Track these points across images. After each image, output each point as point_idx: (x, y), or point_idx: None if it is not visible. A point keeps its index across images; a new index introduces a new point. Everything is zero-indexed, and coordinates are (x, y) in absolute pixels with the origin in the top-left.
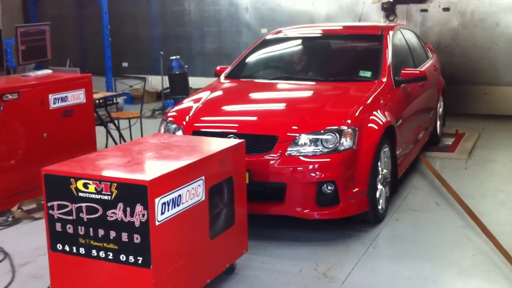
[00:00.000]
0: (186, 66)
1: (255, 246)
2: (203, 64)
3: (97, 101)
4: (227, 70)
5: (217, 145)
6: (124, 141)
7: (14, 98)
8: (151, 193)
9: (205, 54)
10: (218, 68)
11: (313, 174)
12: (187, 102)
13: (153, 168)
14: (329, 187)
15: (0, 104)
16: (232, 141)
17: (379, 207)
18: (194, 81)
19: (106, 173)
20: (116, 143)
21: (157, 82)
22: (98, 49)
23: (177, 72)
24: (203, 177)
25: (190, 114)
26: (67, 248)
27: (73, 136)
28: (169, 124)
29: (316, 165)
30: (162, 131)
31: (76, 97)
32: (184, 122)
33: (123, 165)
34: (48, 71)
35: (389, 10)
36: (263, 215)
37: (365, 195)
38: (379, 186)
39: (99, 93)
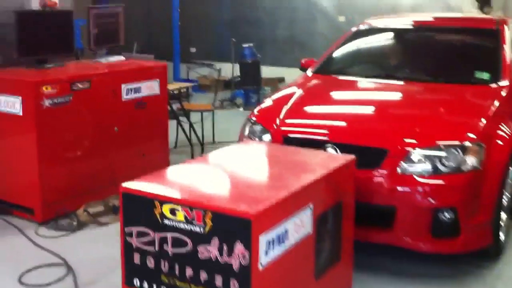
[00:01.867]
0: (259, 55)
1: (356, 279)
2: (274, 53)
3: (171, 92)
4: (316, 65)
5: (324, 161)
6: (196, 135)
7: (85, 87)
8: (256, 229)
9: (276, 41)
10: (303, 60)
11: (429, 198)
12: (273, 101)
13: (256, 195)
14: (448, 215)
15: (70, 93)
16: (342, 158)
17: (501, 238)
18: (264, 71)
19: (200, 197)
20: (189, 139)
21: (226, 69)
22: (165, 32)
23: (249, 61)
24: (311, 205)
25: (280, 117)
26: (145, 285)
27: (145, 131)
28: (254, 126)
29: (433, 187)
30: (246, 132)
31: (150, 88)
32: (274, 125)
33: (220, 187)
34: (120, 58)
35: (483, 1)
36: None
37: (489, 225)
38: (502, 213)
39: (173, 83)
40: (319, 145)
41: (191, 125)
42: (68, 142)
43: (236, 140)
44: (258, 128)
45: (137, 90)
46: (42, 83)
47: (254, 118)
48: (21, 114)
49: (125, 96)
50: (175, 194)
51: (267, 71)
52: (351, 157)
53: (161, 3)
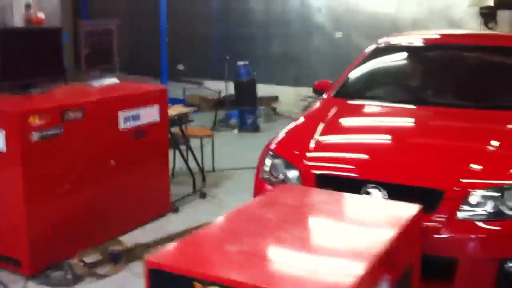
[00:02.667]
0: (255, 73)
1: None
2: (268, 70)
3: (172, 118)
4: (335, 88)
5: (391, 214)
6: (197, 163)
7: (77, 117)
8: None
9: (269, 58)
10: (316, 83)
11: (493, 247)
12: (293, 131)
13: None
14: None
15: (61, 124)
16: (408, 207)
17: None
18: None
19: (252, 278)
20: (190, 168)
21: (215, 87)
22: (152, 48)
23: (245, 80)
24: (388, 278)
25: (308, 150)
26: None
27: (144, 162)
28: (275, 160)
29: (498, 234)
30: (267, 167)
31: (150, 114)
32: (303, 161)
33: (283, 262)
34: (114, 80)
35: (488, 16)
36: None
37: None
38: None
39: (173, 107)
40: (357, 184)
41: (191, 152)
42: (58, 180)
43: (236, 167)
44: (281, 163)
45: (135, 117)
46: (29, 113)
47: (274, 151)
48: (5, 150)
49: (122, 125)
50: (220, 271)
51: (261, 89)
52: (417, 206)
53: (146, 18)
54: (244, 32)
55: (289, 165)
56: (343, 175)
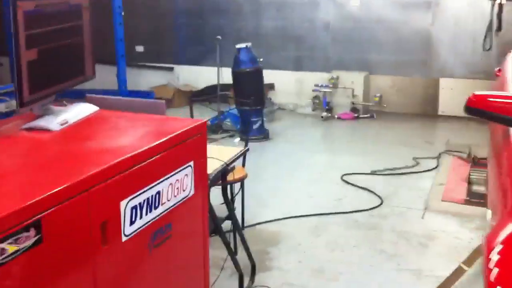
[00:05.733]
0: (261, 59)
1: None
2: (259, 51)
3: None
4: None
5: None
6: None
7: (27, 245)
8: None
9: (261, 36)
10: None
11: None
12: None
13: None
14: None
15: None
16: None
17: None
18: None
19: None
20: (237, 264)
21: (189, 75)
22: (104, 28)
23: (247, 69)
24: None
25: None
26: None
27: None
28: None
29: None
30: None
31: (179, 186)
32: None
33: None
34: (90, 108)
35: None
36: None
37: None
38: None
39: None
40: None
41: (239, 234)
42: None
43: (274, 219)
44: None
45: (153, 202)
46: None
47: None
48: None
49: (128, 229)
50: None
51: None
52: None
53: None
54: (222, 2)
55: None
56: None
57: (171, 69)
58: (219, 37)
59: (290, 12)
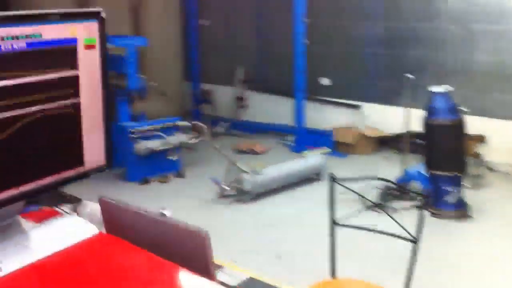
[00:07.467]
0: (464, 109)
1: None
2: (465, 92)
3: None
4: None
5: None
6: None
7: None
8: None
9: (472, 72)
10: None
11: None
12: None
13: None
14: None
15: None
16: None
17: None
18: None
19: None
20: None
21: (378, 115)
22: (279, 58)
23: (446, 122)
24: None
25: None
26: None
27: None
28: None
29: None
30: None
31: None
32: None
33: None
34: (82, 233)
35: None
36: None
37: None
38: None
39: None
40: None
41: None
42: None
43: None
44: None
45: None
46: None
47: None
48: None
49: None
50: None
51: None
52: None
53: (270, 15)
54: (421, 29)
55: None
56: None
57: (358, 106)
58: (410, 75)
59: (510, 44)
